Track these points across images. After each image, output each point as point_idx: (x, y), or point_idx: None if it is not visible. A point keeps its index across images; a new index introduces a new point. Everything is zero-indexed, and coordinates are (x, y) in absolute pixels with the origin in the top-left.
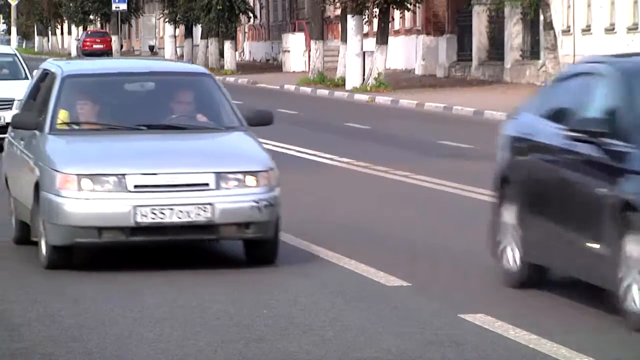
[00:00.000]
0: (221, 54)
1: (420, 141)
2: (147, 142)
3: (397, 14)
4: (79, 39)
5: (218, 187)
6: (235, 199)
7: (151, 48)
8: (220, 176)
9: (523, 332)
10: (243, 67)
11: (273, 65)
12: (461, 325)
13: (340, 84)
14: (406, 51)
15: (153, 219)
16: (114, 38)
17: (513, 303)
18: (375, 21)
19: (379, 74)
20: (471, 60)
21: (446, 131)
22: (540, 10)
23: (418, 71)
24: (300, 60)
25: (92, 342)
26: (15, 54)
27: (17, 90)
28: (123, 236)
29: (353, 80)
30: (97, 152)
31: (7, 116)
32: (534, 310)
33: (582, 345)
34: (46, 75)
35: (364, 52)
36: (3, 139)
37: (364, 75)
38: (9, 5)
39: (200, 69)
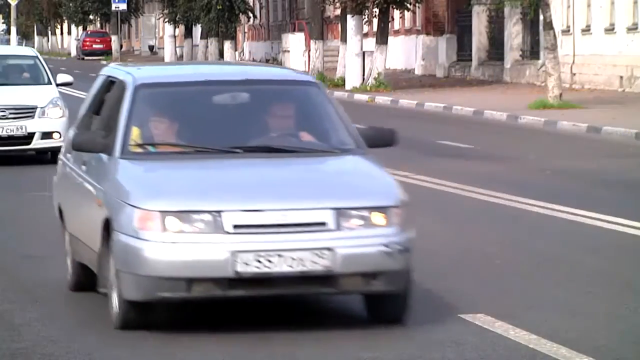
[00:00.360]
0: (221, 54)
1: (420, 141)
2: (245, 170)
3: (397, 14)
4: (78, 39)
5: (338, 227)
6: (360, 242)
7: (151, 48)
8: (340, 213)
9: (523, 332)
10: None
11: (273, 65)
12: (461, 325)
13: (340, 84)
14: (406, 51)
15: (257, 268)
16: (114, 38)
17: (513, 303)
18: (375, 21)
19: (378, 74)
20: (471, 60)
21: (446, 131)
22: (540, 10)
23: (418, 71)
24: (300, 60)
25: (92, 342)
26: (37, 56)
27: (40, 96)
28: (219, 290)
29: (353, 80)
30: (184, 182)
31: (28, 125)
32: (534, 310)
33: (582, 345)
34: (111, 83)
35: (363, 52)
36: (26, 150)
37: (363, 75)
38: (9, 5)
39: (305, 76)
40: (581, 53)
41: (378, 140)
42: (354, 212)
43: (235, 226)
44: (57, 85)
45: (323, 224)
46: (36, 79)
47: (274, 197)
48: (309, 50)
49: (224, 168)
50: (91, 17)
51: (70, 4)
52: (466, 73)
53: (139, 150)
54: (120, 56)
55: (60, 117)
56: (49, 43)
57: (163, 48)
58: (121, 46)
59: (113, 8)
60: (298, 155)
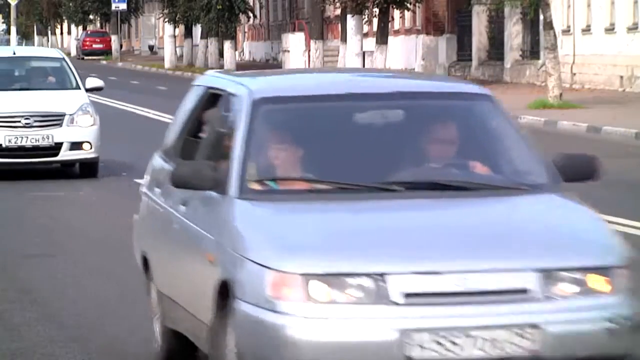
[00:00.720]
0: (221, 54)
1: None
2: (411, 215)
3: (397, 13)
4: (78, 39)
5: (545, 295)
6: (575, 317)
7: (151, 48)
8: (547, 276)
9: None
10: (243, 67)
11: (273, 65)
12: None
13: None
14: (406, 51)
15: (437, 352)
16: (114, 38)
17: None
18: (375, 21)
19: None
20: (471, 60)
21: None
22: (540, 10)
23: (418, 71)
24: (300, 60)
25: (92, 342)
26: (63, 58)
27: (68, 102)
28: None
29: None
30: (331, 233)
31: (55, 134)
32: None
33: None
34: (214, 97)
35: (363, 52)
36: (51, 162)
37: None
38: (9, 5)
39: (474, 86)
40: (581, 53)
41: (575, 172)
42: (565, 275)
43: (406, 295)
44: (87, 90)
45: (524, 291)
46: (63, 84)
47: (456, 255)
48: (309, 50)
49: (380, 212)
50: (91, 17)
51: (70, 4)
52: (466, 73)
53: (260, 187)
54: (120, 56)
55: (91, 125)
56: (49, 43)
57: (163, 48)
58: (121, 46)
59: (113, 8)
60: (476, 194)
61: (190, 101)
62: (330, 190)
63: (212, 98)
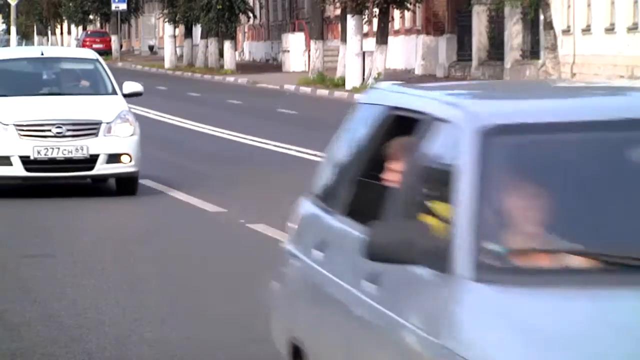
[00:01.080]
0: (221, 53)
1: None
2: None
3: (397, 13)
4: (78, 39)
5: None
6: None
7: (151, 48)
8: None
9: None
10: (243, 67)
11: (273, 65)
12: None
13: (340, 84)
14: (406, 51)
15: None
16: (114, 38)
17: None
18: (375, 21)
19: (378, 73)
20: (471, 60)
21: None
22: (540, 10)
23: (418, 71)
24: (300, 60)
25: (92, 343)
26: (97, 60)
27: (104, 109)
28: None
29: (353, 80)
30: (632, 343)
31: (91, 145)
32: None
33: None
34: (407, 122)
35: (363, 52)
36: (85, 177)
37: (363, 75)
38: (9, 5)
39: None
40: (581, 53)
41: None
42: None
43: None
44: (124, 95)
45: None
46: (97, 88)
47: None
48: (309, 50)
49: None
50: (91, 17)
51: (70, 4)
52: (466, 73)
53: (498, 262)
54: (120, 56)
55: (131, 135)
56: (49, 43)
57: (163, 48)
58: (121, 46)
59: (113, 8)
60: None
61: (360, 127)
62: (603, 269)
63: (399, 123)
